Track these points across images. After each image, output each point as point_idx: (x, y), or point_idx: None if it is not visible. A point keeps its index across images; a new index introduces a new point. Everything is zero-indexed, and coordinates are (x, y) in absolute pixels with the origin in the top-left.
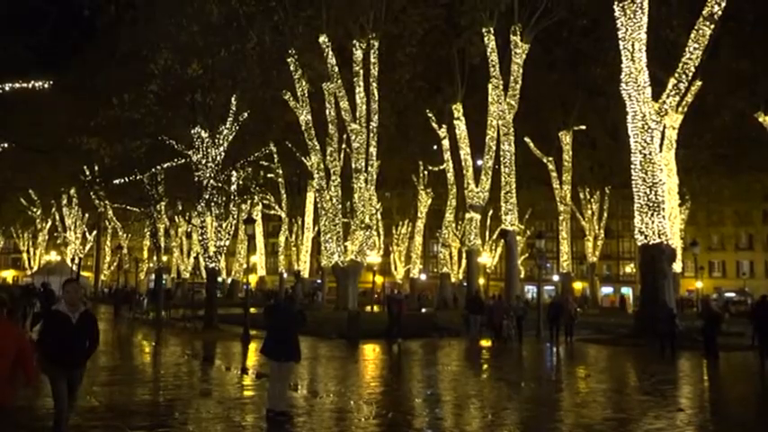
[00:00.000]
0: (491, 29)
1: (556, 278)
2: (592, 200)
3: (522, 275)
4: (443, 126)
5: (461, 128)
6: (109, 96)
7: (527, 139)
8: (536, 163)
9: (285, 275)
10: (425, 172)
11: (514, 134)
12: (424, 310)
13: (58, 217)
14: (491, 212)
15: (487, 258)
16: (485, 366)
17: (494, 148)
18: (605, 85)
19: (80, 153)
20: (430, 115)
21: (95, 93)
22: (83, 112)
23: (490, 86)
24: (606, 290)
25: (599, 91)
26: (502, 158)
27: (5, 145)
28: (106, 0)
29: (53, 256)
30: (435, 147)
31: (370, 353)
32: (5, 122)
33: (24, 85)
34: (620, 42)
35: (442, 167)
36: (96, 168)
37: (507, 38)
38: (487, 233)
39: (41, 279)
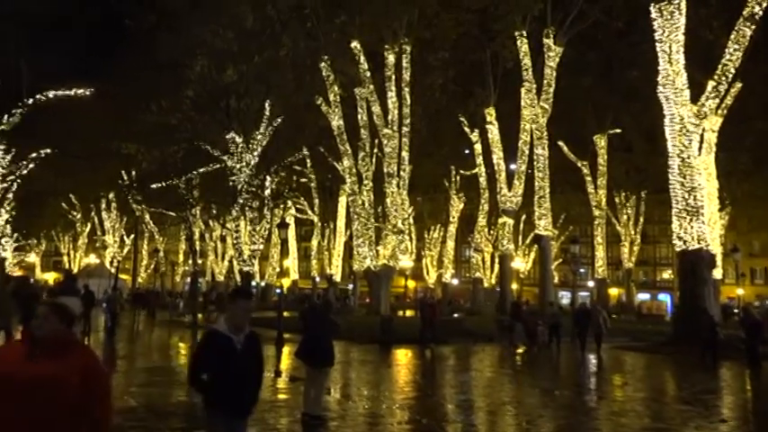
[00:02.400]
0: (524, 33)
1: (591, 284)
2: (628, 204)
3: (555, 281)
4: (476, 130)
5: (494, 132)
6: (146, 102)
7: (561, 143)
8: (570, 167)
9: (318, 279)
10: (457, 176)
11: (548, 138)
12: (456, 315)
13: (97, 221)
14: (524, 217)
15: (521, 263)
16: (519, 373)
17: (527, 152)
18: (641, 87)
19: (119, 158)
20: (462, 119)
21: (133, 99)
22: (121, 119)
23: (523, 90)
24: (643, 296)
25: (635, 94)
26: (535, 162)
27: (48, 151)
28: (146, 9)
29: (92, 259)
30: (467, 151)
31: (403, 358)
32: (48, 129)
33: (67, 92)
34: (657, 44)
35: (474, 172)
36: (134, 173)
37: (540, 41)
38: (520, 238)
39: (81, 282)
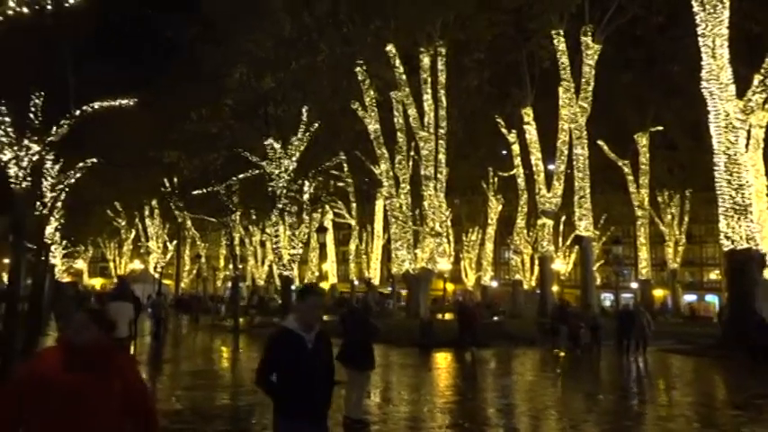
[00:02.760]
0: (561, 31)
1: (634, 285)
2: (671, 203)
3: (597, 282)
4: (513, 131)
5: (532, 132)
6: (188, 112)
7: (601, 142)
8: (611, 166)
9: (356, 283)
10: (495, 178)
11: (587, 137)
12: (496, 318)
13: (141, 227)
14: (564, 218)
15: (561, 265)
16: (561, 377)
17: (566, 152)
18: (684, 83)
19: (161, 166)
20: (499, 120)
21: (175, 109)
22: (163, 128)
23: (561, 89)
24: (689, 297)
25: (677, 90)
26: (575, 162)
27: (94, 160)
28: (188, 21)
29: (137, 265)
30: (505, 152)
31: (443, 361)
32: (94, 139)
33: (112, 103)
34: (700, 38)
35: (512, 173)
36: (176, 180)
37: (578, 39)
38: (561, 239)
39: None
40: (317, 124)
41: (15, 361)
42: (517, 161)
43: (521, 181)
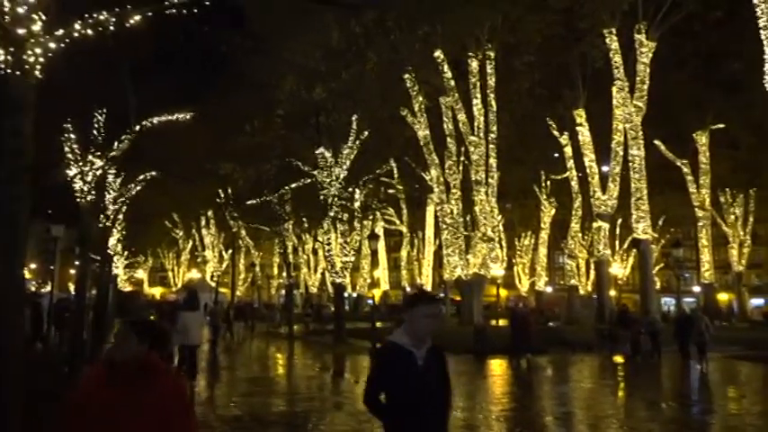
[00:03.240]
0: (613, 30)
1: (697, 289)
2: (735, 204)
3: (657, 287)
4: (565, 133)
5: (585, 134)
6: (240, 123)
7: (657, 142)
8: (669, 166)
9: (408, 289)
10: (548, 181)
11: (643, 137)
12: (551, 323)
13: (197, 237)
14: (620, 221)
15: (618, 269)
16: (621, 384)
17: (621, 153)
18: (745, 79)
19: (216, 177)
20: (551, 123)
21: (229, 121)
22: (218, 140)
23: (614, 89)
24: (756, 302)
25: (738, 87)
26: (630, 164)
27: (153, 173)
28: (240, 34)
29: (194, 274)
30: (557, 155)
31: (498, 368)
32: (152, 153)
33: (169, 117)
34: (762, 32)
35: (565, 176)
36: (230, 191)
37: (631, 37)
38: (617, 242)
39: (181, 296)
40: (367, 132)
41: (83, 369)
42: (570, 164)
43: (574, 184)
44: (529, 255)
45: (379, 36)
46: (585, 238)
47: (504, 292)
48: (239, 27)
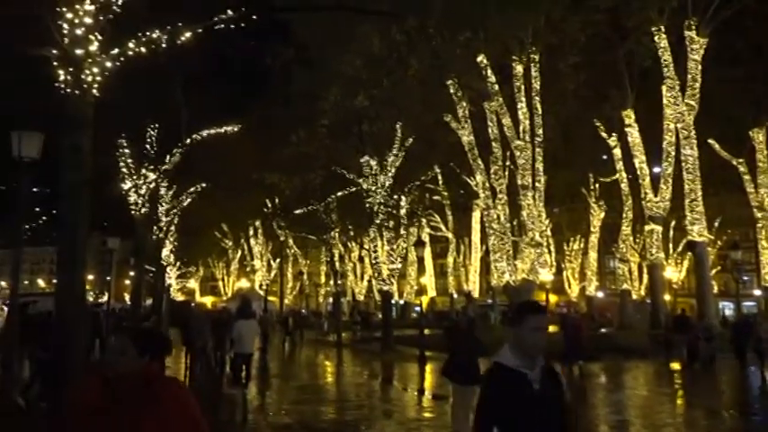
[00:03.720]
0: (661, 27)
1: (757, 293)
2: None
3: (715, 291)
4: (613, 134)
5: (634, 134)
6: (285, 133)
7: (711, 141)
8: (724, 166)
9: (455, 296)
10: (596, 184)
11: (696, 137)
12: (603, 329)
13: (246, 247)
14: (674, 223)
15: (673, 273)
16: (679, 391)
17: (673, 153)
18: None
19: (263, 188)
20: (598, 124)
21: (273, 132)
22: (263, 150)
23: (664, 88)
24: None
25: None
26: (683, 164)
27: (203, 185)
28: (284, 44)
29: (243, 283)
30: (605, 157)
31: None
32: (202, 165)
33: (218, 130)
34: None
35: (614, 178)
36: (277, 201)
37: (681, 34)
38: (671, 245)
39: (235, 305)
40: (411, 139)
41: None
42: (619, 165)
43: (624, 186)
44: (578, 259)
45: (421, 43)
46: (637, 241)
47: (553, 298)
48: (285, 39)
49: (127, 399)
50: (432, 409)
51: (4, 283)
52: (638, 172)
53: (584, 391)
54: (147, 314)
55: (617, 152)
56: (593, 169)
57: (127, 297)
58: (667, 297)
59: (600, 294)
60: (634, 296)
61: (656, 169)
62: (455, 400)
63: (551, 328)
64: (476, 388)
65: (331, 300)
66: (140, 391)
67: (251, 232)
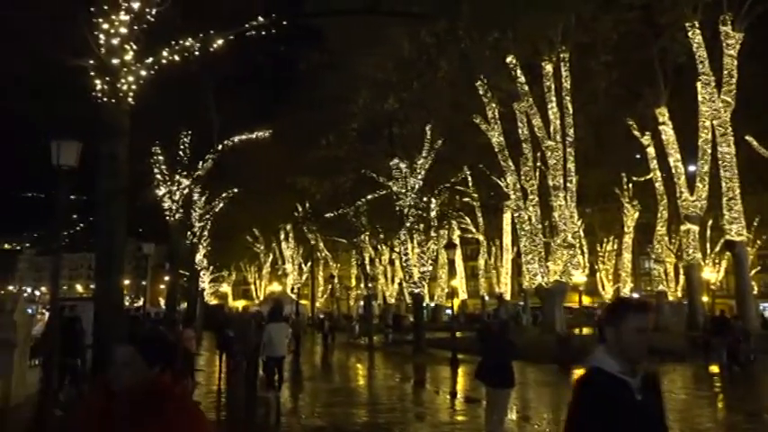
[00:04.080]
0: (696, 23)
1: None
2: None
3: (755, 291)
4: (647, 133)
5: (668, 132)
6: (315, 137)
7: (749, 138)
8: (763, 163)
9: (486, 298)
10: (630, 183)
11: (733, 134)
12: None
13: (277, 251)
14: (710, 222)
15: (710, 273)
16: (719, 395)
17: (709, 151)
18: None
19: (293, 192)
20: (631, 123)
21: (304, 136)
22: (293, 154)
23: (699, 85)
24: None
25: None
26: (720, 162)
27: (235, 190)
28: (313, 48)
29: (275, 287)
30: (638, 156)
31: None
32: (234, 170)
33: (249, 136)
34: None
35: (648, 177)
36: (308, 204)
37: (715, 30)
38: (708, 245)
39: (266, 308)
40: (440, 141)
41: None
42: (653, 164)
43: (659, 185)
44: (612, 260)
45: (450, 44)
46: (673, 241)
47: (586, 300)
48: (315, 44)
49: (133, 413)
50: (464, 413)
51: (44, 289)
52: (673, 171)
53: None
54: (189, 317)
55: (651, 151)
56: (625, 168)
57: (162, 301)
58: (705, 298)
59: (635, 296)
60: (670, 297)
61: (692, 168)
62: (488, 402)
63: (585, 330)
64: (509, 391)
65: (362, 303)
66: (144, 408)
67: (282, 236)
